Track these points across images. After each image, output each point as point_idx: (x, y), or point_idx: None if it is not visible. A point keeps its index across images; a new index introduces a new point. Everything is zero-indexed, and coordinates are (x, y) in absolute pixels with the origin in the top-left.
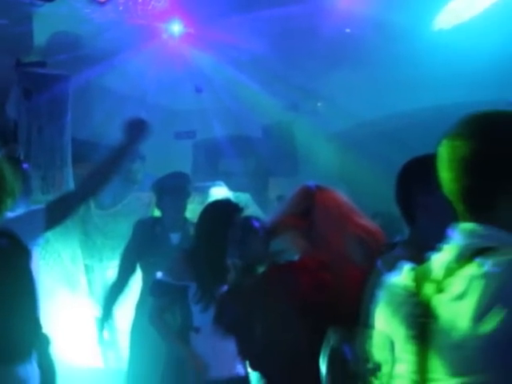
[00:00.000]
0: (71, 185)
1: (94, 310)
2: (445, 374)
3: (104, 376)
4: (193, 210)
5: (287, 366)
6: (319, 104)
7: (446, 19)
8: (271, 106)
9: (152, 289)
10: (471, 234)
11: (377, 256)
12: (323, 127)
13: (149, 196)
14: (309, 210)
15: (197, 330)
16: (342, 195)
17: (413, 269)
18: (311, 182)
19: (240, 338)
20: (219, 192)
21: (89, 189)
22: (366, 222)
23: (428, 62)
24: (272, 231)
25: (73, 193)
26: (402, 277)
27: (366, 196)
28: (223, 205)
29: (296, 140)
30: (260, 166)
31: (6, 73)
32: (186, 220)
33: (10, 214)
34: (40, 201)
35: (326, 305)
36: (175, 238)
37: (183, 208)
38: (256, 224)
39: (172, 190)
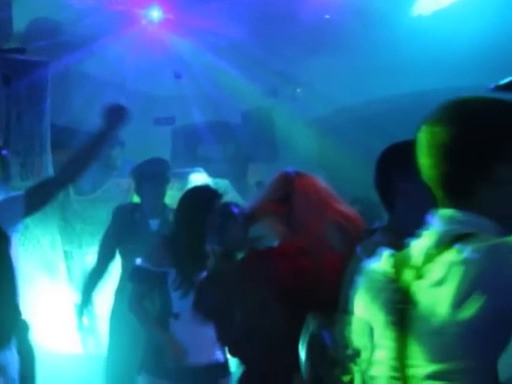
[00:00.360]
0: (50, 171)
1: (73, 296)
2: (424, 360)
3: (83, 362)
4: (172, 196)
5: (266, 352)
6: (298, 90)
7: (425, 5)
8: (250, 92)
9: (131, 275)
10: (450, 220)
11: (356, 242)
12: (302, 113)
13: (128, 182)
14: (288, 196)
15: (176, 316)
16: (321, 181)
17: (392, 255)
18: (290, 168)
19: (219, 324)
20: (198, 178)
21: (68, 175)
22: (345, 208)
23: (407, 48)
24: (251, 217)
25: (52, 179)
26: (382, 263)
27: (344, 182)
28: (202, 191)
29: (275, 126)
30: (239, 151)
31: None
32: (165, 206)
33: None
34: (19, 187)
35: (304, 291)
36: (154, 224)
37: (162, 194)
38: (235, 210)
39: (151, 176)
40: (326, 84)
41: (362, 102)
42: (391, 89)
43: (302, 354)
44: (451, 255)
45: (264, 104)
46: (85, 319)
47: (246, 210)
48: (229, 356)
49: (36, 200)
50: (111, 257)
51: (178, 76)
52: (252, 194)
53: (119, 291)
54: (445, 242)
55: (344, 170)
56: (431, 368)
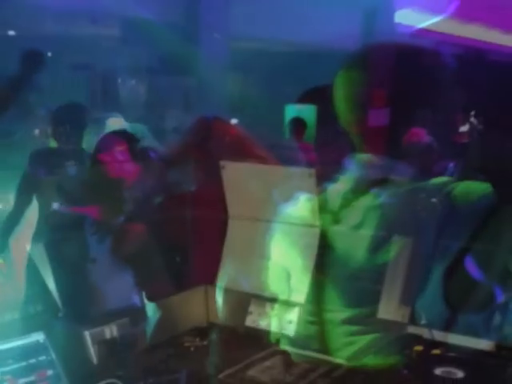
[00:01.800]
0: None
1: None
2: (340, 305)
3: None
4: (89, 141)
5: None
6: (216, 35)
7: None
8: (168, 38)
9: (48, 219)
10: (367, 164)
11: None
12: (219, 58)
13: (45, 127)
14: (206, 140)
15: (93, 260)
16: (239, 126)
17: (309, 199)
18: (208, 113)
19: (136, 269)
20: (116, 123)
21: None
22: (263, 152)
23: None
24: (169, 162)
25: None
26: (299, 208)
27: (262, 126)
28: (119, 135)
29: (193, 71)
30: (157, 97)
31: None
32: (82, 151)
33: None
34: None
35: (222, 236)
36: (72, 169)
37: (80, 139)
38: (153, 155)
39: (68, 121)
40: (244, 28)
41: (280, 46)
42: (308, 34)
43: (219, 299)
44: (368, 200)
45: (182, 49)
46: (1, 265)
47: (163, 154)
48: (146, 301)
49: None
50: (28, 202)
51: (95, 21)
52: (169, 139)
53: (36, 236)
54: (361, 187)
55: (262, 114)
56: (347, 313)
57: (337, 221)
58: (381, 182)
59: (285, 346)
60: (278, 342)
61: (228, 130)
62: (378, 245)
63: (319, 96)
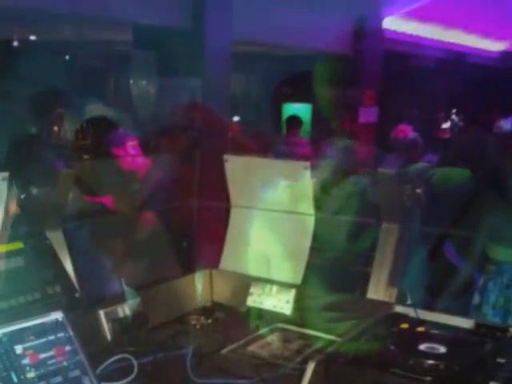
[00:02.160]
0: None
1: None
2: (320, 292)
3: None
4: (69, 127)
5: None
6: (202, 23)
7: None
8: (147, 26)
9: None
10: (347, 150)
11: None
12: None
13: (24, 114)
14: (190, 124)
15: (73, 247)
16: (224, 115)
17: (289, 186)
18: (191, 101)
19: (116, 256)
20: (95, 109)
21: None
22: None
23: None
24: (151, 149)
25: None
26: (279, 194)
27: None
28: (99, 122)
29: (177, 58)
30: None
31: None
32: (62, 137)
33: None
34: None
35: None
36: (52, 155)
37: (59, 125)
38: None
39: (46, 108)
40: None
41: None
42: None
43: (199, 286)
44: (348, 186)
45: (167, 37)
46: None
47: (145, 141)
48: (125, 288)
49: None
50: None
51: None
52: (149, 126)
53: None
54: (340, 174)
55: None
56: (327, 299)
57: (317, 207)
58: (361, 169)
59: (266, 328)
60: (257, 328)
61: (212, 117)
62: (358, 230)
63: (300, 81)
